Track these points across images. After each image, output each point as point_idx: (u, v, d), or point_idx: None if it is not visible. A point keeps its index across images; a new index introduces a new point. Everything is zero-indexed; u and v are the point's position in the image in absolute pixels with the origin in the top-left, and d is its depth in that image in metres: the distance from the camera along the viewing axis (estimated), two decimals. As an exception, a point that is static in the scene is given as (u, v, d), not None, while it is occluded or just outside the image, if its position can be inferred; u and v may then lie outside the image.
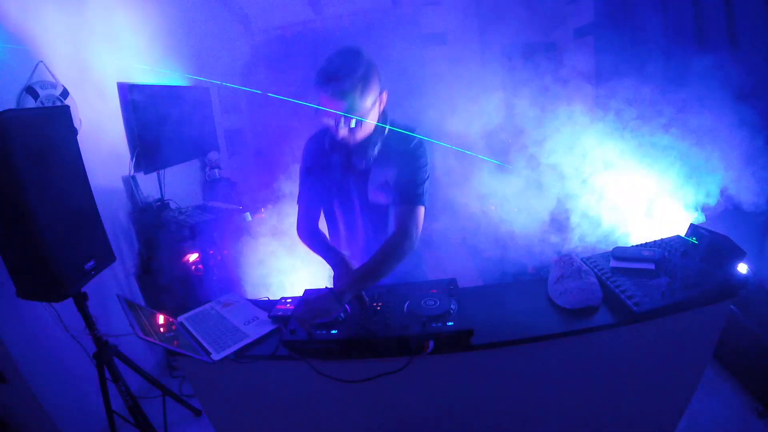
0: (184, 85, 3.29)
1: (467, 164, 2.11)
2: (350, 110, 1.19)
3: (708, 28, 2.09)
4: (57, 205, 1.53)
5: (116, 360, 1.82)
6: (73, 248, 1.58)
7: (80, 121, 2.15)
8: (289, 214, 2.04)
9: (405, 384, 1.13)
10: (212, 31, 3.84)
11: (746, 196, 1.38)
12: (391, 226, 1.36)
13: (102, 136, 2.39)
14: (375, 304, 1.18)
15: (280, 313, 1.25)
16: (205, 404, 1.37)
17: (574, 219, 1.65)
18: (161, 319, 1.27)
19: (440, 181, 2.25)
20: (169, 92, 3.00)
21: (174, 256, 2.52)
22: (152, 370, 2.54)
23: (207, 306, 1.38)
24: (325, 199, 1.46)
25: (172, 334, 1.21)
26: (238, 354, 1.14)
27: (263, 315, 1.29)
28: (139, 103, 2.60)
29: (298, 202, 1.47)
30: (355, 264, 1.26)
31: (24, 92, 1.91)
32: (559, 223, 1.84)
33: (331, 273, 1.49)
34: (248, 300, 1.41)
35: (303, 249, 1.45)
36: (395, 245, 1.24)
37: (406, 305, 1.15)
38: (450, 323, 1.06)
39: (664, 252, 1.28)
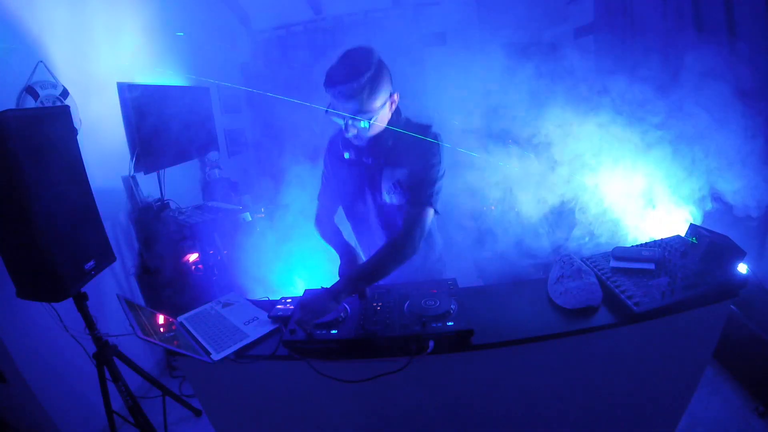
0: (184, 85, 3.29)
1: (467, 164, 2.11)
2: (358, 111, 1.19)
3: (708, 28, 2.09)
4: (57, 205, 1.53)
5: (116, 360, 1.82)
6: (73, 248, 1.58)
7: (80, 121, 2.15)
8: (290, 214, 2.04)
9: (405, 384, 1.13)
10: (212, 31, 3.84)
11: (747, 195, 1.38)
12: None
13: (102, 136, 2.39)
14: (375, 304, 1.18)
15: (280, 313, 1.25)
16: (205, 404, 1.37)
17: (575, 218, 1.65)
18: (161, 319, 1.27)
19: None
20: (169, 92, 2.99)
21: (174, 256, 2.52)
22: (152, 370, 2.54)
23: (207, 306, 1.38)
24: (343, 197, 1.47)
25: (172, 334, 1.21)
26: (238, 354, 1.14)
27: (263, 315, 1.29)
28: (139, 103, 2.60)
29: (318, 197, 1.52)
30: (365, 258, 1.27)
31: (24, 92, 1.91)
32: (559, 223, 1.84)
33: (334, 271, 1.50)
34: (248, 300, 1.41)
35: (303, 249, 1.45)
36: (396, 249, 1.21)
37: (406, 305, 1.15)
38: (450, 323, 1.06)
39: (664, 252, 1.28)
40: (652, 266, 1.22)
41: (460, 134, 2.22)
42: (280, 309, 1.28)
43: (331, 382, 1.06)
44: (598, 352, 1.16)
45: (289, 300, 1.32)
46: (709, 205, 1.41)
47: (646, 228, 1.48)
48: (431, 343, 1.03)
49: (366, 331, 1.07)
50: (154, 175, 2.78)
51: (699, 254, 1.21)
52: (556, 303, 1.19)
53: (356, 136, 1.26)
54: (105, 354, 1.77)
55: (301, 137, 2.45)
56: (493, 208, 2.24)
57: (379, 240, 1.42)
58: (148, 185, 2.72)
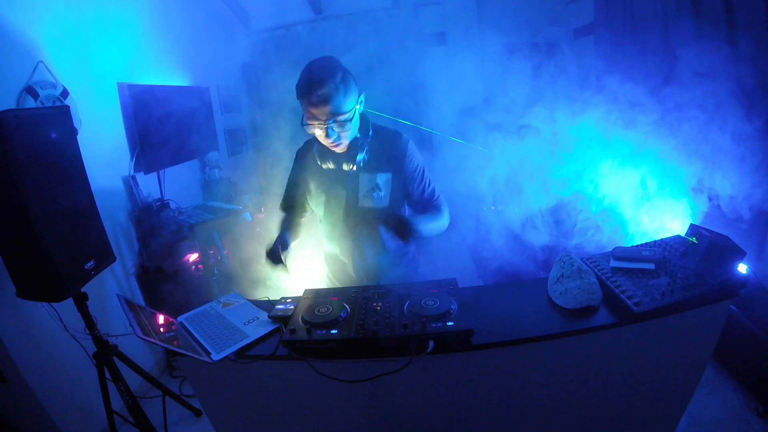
0: (184, 85, 3.29)
1: (467, 163, 2.11)
2: (335, 112, 1.23)
3: (708, 28, 2.09)
4: (57, 205, 1.53)
5: (116, 360, 1.82)
6: (73, 248, 1.58)
7: (80, 121, 2.15)
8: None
9: (405, 384, 1.13)
10: (212, 30, 3.84)
11: (747, 195, 1.38)
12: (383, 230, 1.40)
13: (102, 136, 2.39)
14: (375, 304, 1.18)
15: (280, 313, 1.25)
16: (205, 404, 1.37)
17: (576, 218, 1.65)
18: (161, 319, 1.27)
19: (442, 181, 2.25)
20: (169, 92, 2.99)
21: (174, 256, 2.53)
22: (152, 370, 2.54)
23: (207, 306, 1.38)
24: (316, 205, 1.51)
25: (172, 334, 1.21)
26: (238, 354, 1.14)
27: (263, 315, 1.29)
28: (139, 103, 2.60)
29: (280, 205, 1.57)
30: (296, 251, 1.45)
31: (24, 92, 1.91)
32: (560, 222, 1.84)
33: (327, 270, 1.62)
34: (248, 300, 1.41)
35: (305, 249, 1.47)
36: (442, 217, 1.45)
37: (406, 305, 1.15)
38: (450, 323, 1.06)
39: (664, 252, 1.28)
40: (652, 266, 1.22)
41: (458, 135, 2.22)
42: (280, 309, 1.27)
43: (331, 382, 1.06)
44: (598, 352, 1.16)
45: (289, 300, 1.32)
46: (705, 205, 1.41)
47: (642, 222, 1.48)
48: (431, 343, 1.03)
49: (366, 331, 1.07)
50: (154, 175, 2.78)
51: (699, 254, 1.21)
52: (556, 303, 1.19)
53: (336, 142, 1.30)
54: (105, 354, 1.77)
55: (300, 137, 2.45)
56: (493, 208, 2.24)
57: (354, 243, 1.48)
58: (148, 185, 2.72)
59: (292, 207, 1.54)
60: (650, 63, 2.37)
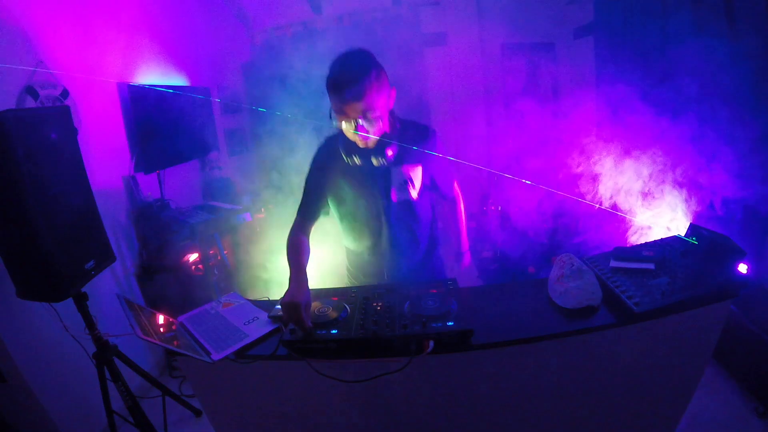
0: (184, 84, 3.29)
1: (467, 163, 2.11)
2: (369, 110, 1.19)
3: (708, 29, 2.09)
4: (57, 205, 1.53)
5: (116, 360, 1.82)
6: (73, 248, 1.58)
7: (80, 121, 2.15)
8: (291, 214, 2.04)
9: (405, 384, 1.13)
10: (212, 30, 3.84)
11: (746, 194, 1.38)
12: (422, 221, 1.46)
13: (102, 136, 2.39)
14: (375, 304, 1.18)
15: (280, 313, 1.25)
16: (205, 404, 1.37)
17: (576, 219, 1.65)
18: (161, 319, 1.27)
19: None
20: (169, 92, 2.99)
21: (174, 256, 2.53)
22: (152, 370, 2.54)
23: (207, 306, 1.38)
24: (341, 204, 1.45)
25: (172, 334, 1.21)
26: (238, 354, 1.14)
27: (263, 315, 1.29)
28: (139, 103, 2.60)
29: (298, 210, 1.44)
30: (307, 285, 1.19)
31: (24, 92, 1.91)
32: (560, 222, 1.84)
33: (351, 269, 1.61)
34: (248, 300, 1.41)
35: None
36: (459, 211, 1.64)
37: (406, 305, 1.15)
38: (450, 323, 1.06)
39: (664, 252, 1.28)
40: (652, 266, 1.22)
41: (459, 135, 2.22)
42: (280, 309, 1.27)
43: (331, 382, 1.06)
44: (598, 352, 1.16)
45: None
46: (703, 205, 1.41)
47: (641, 222, 1.48)
48: (431, 343, 1.03)
49: (366, 331, 1.07)
50: (154, 175, 2.78)
51: (699, 254, 1.21)
52: (556, 303, 1.19)
53: (366, 137, 1.26)
54: (105, 354, 1.77)
55: (300, 137, 2.46)
56: (493, 208, 2.24)
57: (387, 239, 1.43)
58: (148, 185, 2.72)
59: (314, 211, 1.44)
60: (649, 63, 2.37)
